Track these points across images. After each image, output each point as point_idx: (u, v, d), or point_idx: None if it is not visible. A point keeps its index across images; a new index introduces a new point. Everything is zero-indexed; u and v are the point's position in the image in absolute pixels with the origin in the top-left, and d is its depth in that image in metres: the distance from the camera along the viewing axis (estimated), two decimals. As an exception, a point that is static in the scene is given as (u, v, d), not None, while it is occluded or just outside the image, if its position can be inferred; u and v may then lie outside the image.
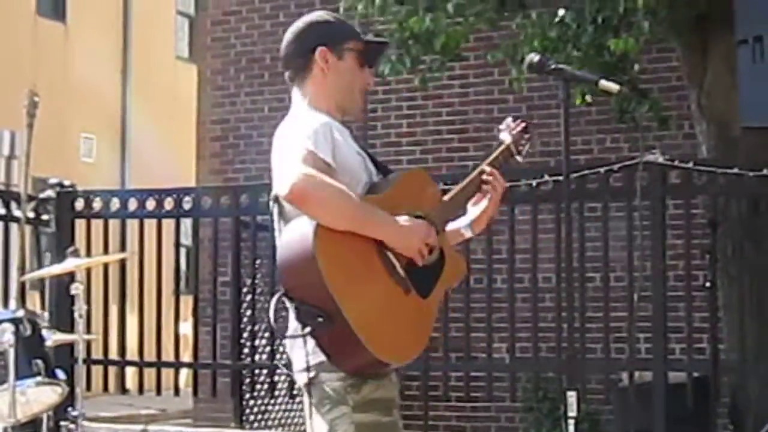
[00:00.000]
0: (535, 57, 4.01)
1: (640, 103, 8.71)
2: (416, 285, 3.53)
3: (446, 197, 3.82)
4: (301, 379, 3.54)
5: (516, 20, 8.90)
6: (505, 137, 4.02)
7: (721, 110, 8.51)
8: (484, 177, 3.88)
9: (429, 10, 8.58)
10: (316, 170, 3.39)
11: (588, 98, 8.56)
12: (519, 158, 4.04)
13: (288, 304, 3.42)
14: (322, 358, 3.43)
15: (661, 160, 7.75)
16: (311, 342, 3.43)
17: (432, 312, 3.64)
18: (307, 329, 3.35)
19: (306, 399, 3.55)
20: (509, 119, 4.09)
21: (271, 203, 3.61)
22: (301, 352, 3.47)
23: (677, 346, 8.34)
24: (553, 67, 3.97)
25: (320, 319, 3.32)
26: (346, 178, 3.50)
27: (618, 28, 8.18)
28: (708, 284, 7.54)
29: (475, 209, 3.93)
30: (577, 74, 4.06)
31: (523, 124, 4.06)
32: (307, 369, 3.47)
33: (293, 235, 3.42)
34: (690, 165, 7.82)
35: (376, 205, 3.52)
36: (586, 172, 7.99)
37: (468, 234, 3.93)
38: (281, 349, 8.76)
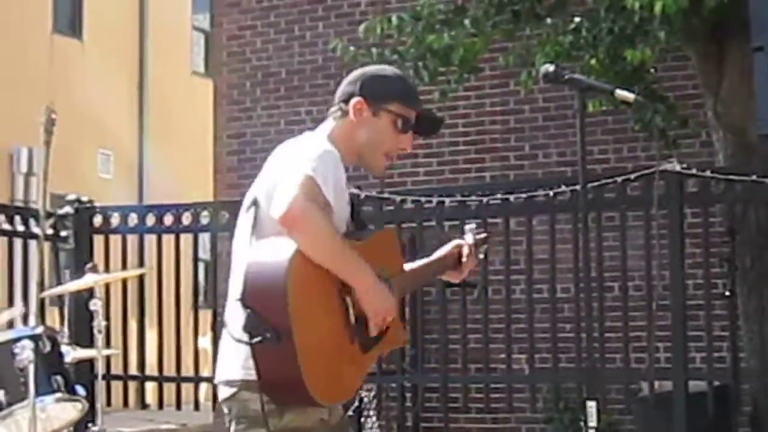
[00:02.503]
0: (550, 67, 4.00)
1: (658, 112, 8.70)
2: (360, 338, 3.54)
3: (408, 268, 3.87)
4: (224, 392, 3.54)
5: (530, 30, 8.91)
6: (468, 239, 4.10)
7: (737, 118, 8.50)
8: (464, 254, 4.00)
9: (445, 24, 8.61)
10: (312, 199, 3.41)
11: (602, 105, 8.56)
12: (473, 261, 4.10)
13: (241, 309, 3.40)
14: (253, 377, 3.41)
15: (678, 168, 7.74)
16: (244, 357, 3.43)
17: (365, 368, 3.65)
18: (256, 339, 3.34)
19: (226, 413, 3.55)
20: (473, 225, 4.22)
21: (246, 205, 3.60)
22: (232, 365, 3.48)
23: (697, 355, 8.31)
24: (567, 77, 3.96)
25: (268, 335, 3.33)
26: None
27: (633, 37, 8.18)
28: (727, 292, 7.53)
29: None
30: (592, 84, 4.05)
31: (485, 235, 4.16)
32: (232, 383, 3.49)
33: (271, 246, 3.44)
34: (707, 173, 7.81)
35: None
36: (603, 181, 7.99)
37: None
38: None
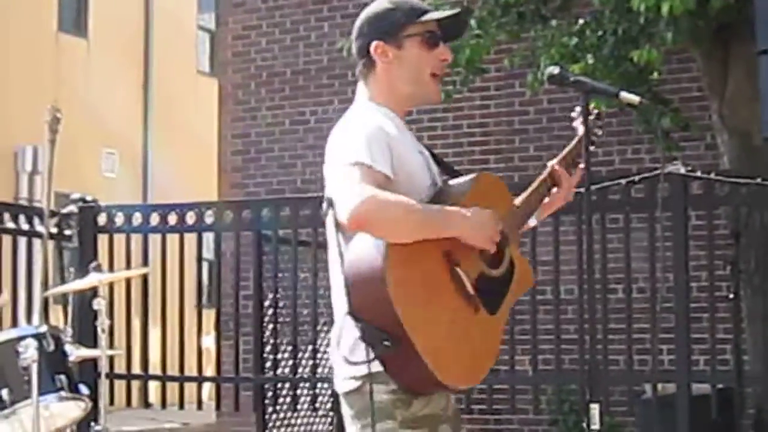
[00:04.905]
0: (555, 69, 3.98)
1: (663, 114, 8.69)
2: (485, 302, 3.45)
3: (517, 201, 3.76)
4: (345, 386, 3.42)
5: (535, 32, 8.93)
6: (578, 126, 3.95)
7: (742, 120, 8.49)
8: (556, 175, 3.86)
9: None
10: (373, 186, 3.27)
11: (606, 107, 8.55)
12: (592, 148, 3.94)
13: (354, 323, 3.29)
14: (374, 368, 3.31)
15: (682, 170, 7.73)
16: (363, 351, 3.32)
17: (499, 328, 3.58)
18: (376, 352, 3.27)
19: (345, 409, 3.45)
20: (579, 108, 3.94)
21: (324, 207, 3.42)
22: (355, 359, 3.35)
23: (701, 358, 8.30)
24: (573, 79, 3.95)
25: (386, 343, 3.24)
26: (406, 185, 3.38)
27: (638, 38, 8.18)
28: (731, 295, 7.52)
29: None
30: (597, 86, 4.04)
31: (596, 111, 4.01)
32: (354, 377, 3.37)
33: (361, 253, 3.31)
34: (712, 176, 7.79)
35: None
36: (607, 183, 7.98)
37: (533, 223, 3.93)
38: (303, 362, 8.78)
